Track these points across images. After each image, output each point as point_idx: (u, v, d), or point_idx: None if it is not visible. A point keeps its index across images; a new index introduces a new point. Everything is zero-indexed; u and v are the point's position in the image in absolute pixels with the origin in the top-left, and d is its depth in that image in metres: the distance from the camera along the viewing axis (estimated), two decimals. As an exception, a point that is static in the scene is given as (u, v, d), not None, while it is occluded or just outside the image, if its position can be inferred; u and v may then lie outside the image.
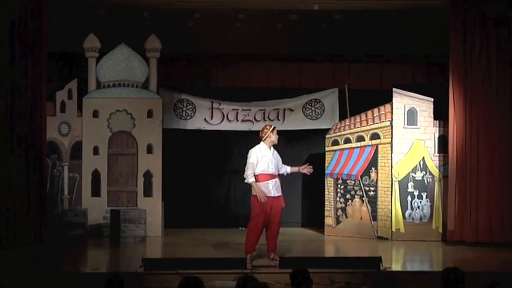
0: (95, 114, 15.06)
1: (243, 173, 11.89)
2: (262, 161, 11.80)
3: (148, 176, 15.10)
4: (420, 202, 14.58)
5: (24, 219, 13.49)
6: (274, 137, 11.88)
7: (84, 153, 15.03)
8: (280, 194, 11.91)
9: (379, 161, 14.80)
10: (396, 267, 12.08)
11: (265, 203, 11.69)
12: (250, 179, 11.80)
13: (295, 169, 12.20)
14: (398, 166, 14.60)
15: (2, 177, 13.36)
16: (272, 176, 11.87)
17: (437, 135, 14.60)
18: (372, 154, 14.87)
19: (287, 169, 12.14)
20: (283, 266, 10.89)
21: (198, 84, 16.33)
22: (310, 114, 16.09)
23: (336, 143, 15.28)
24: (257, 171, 11.80)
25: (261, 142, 11.88)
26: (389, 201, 14.59)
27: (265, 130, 11.92)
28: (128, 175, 15.16)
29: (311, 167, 12.19)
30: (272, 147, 11.94)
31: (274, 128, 12.04)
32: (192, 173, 16.12)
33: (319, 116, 16.11)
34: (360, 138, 15.03)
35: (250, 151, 11.92)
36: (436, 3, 14.09)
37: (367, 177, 14.89)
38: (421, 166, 14.60)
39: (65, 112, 15.02)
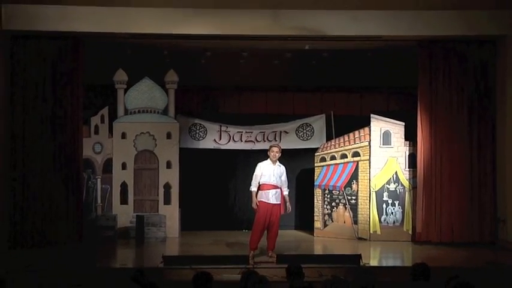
0: (123, 135, 15.08)
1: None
2: (264, 173, 11.92)
3: (167, 187, 15.09)
4: (393, 209, 14.56)
5: (65, 222, 13.56)
6: (270, 154, 11.99)
7: (114, 168, 15.04)
8: (279, 202, 11.92)
9: (359, 174, 14.79)
10: (374, 263, 12.12)
11: (266, 209, 11.77)
12: (251, 188, 11.99)
13: (286, 199, 12.13)
14: (375, 179, 14.60)
15: (46, 188, 13.44)
16: (273, 187, 11.93)
17: (407, 153, 14.59)
18: (354, 169, 14.86)
19: (285, 192, 12.12)
20: (279, 262, 10.90)
21: (208, 111, 16.33)
22: (302, 135, 16.06)
23: (323, 159, 15.29)
24: (261, 181, 11.94)
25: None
26: (367, 208, 14.58)
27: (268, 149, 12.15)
28: (150, 186, 15.14)
29: (289, 210, 12.23)
30: (277, 163, 12.03)
31: (270, 146, 12.18)
32: (204, 184, 16.09)
33: (309, 137, 16.07)
34: (343, 156, 15.03)
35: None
36: (406, 43, 14.11)
37: (349, 188, 14.88)
38: (394, 179, 14.59)
39: (98, 134, 15.04)
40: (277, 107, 16.42)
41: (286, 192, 12.14)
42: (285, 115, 16.28)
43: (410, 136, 14.48)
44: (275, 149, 12.01)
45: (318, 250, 14.18)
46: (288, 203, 12.13)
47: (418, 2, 12.93)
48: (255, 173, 12.04)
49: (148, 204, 15.10)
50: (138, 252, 13.55)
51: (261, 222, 11.82)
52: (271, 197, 11.87)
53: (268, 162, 12.03)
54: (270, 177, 11.92)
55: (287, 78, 16.28)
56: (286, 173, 12.26)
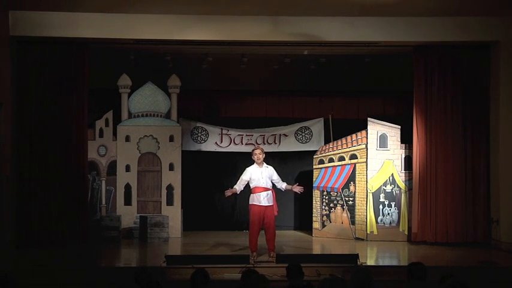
0: (127, 138, 15.08)
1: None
2: (253, 177, 11.93)
3: (170, 188, 15.10)
4: (390, 210, 14.57)
5: (70, 223, 13.56)
6: (254, 158, 12.01)
7: (118, 170, 15.04)
8: (272, 204, 11.89)
9: (356, 176, 14.79)
10: (370, 262, 12.11)
11: (258, 211, 11.80)
12: (235, 186, 12.00)
13: (289, 187, 12.18)
14: (372, 181, 14.60)
15: (52, 189, 13.44)
16: (264, 189, 11.90)
17: (403, 156, 14.60)
18: (351, 171, 14.87)
19: (282, 186, 12.14)
20: (279, 261, 10.90)
21: (210, 115, 16.33)
22: (301, 138, 16.07)
23: (321, 162, 15.30)
24: (252, 185, 11.93)
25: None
26: (364, 209, 14.59)
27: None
28: (153, 188, 15.14)
29: (302, 187, 12.17)
30: (264, 165, 12.01)
31: (252, 150, 12.21)
32: (205, 186, 16.09)
33: (308, 140, 16.08)
34: (341, 158, 15.04)
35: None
36: (402, 49, 14.13)
37: (347, 189, 14.88)
38: (391, 181, 14.60)
39: (103, 137, 15.04)
40: (276, 111, 16.41)
41: (285, 184, 12.13)
42: (285, 119, 16.27)
43: (406, 139, 14.49)
44: (257, 151, 11.97)
45: (317, 250, 14.16)
46: (295, 188, 12.09)
47: (414, 8, 12.93)
48: (241, 177, 12.06)
49: (152, 205, 15.10)
50: (142, 252, 13.55)
51: (255, 225, 11.82)
52: (262, 200, 11.85)
53: (255, 166, 12.00)
54: (259, 180, 11.90)
55: (286, 83, 16.29)
56: (278, 173, 12.26)
